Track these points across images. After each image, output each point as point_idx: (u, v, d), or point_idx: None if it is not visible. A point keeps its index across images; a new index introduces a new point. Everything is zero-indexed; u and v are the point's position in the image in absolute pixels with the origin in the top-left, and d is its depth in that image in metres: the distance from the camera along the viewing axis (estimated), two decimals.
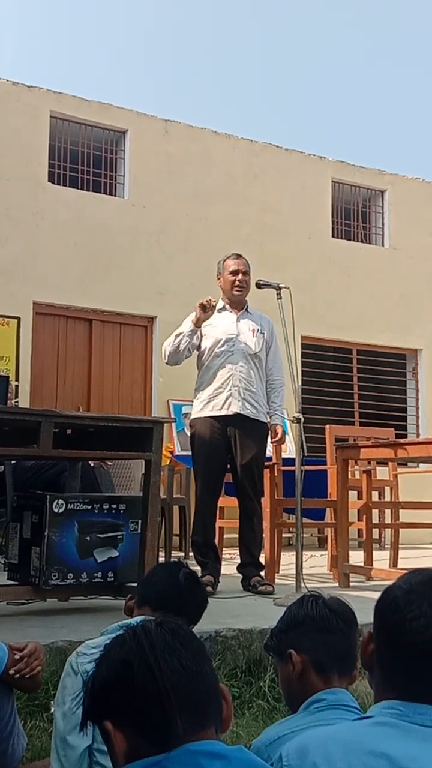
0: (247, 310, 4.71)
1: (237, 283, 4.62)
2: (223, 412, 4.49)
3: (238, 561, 4.67)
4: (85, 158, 8.14)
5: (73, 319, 7.84)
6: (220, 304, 4.70)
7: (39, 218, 7.65)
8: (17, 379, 7.14)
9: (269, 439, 4.72)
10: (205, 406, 4.55)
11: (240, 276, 4.63)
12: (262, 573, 4.59)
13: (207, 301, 4.45)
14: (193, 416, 4.66)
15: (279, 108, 23.75)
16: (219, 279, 4.73)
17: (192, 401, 4.79)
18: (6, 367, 7.19)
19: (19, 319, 7.37)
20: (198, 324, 4.50)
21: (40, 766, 2.11)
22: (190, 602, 2.16)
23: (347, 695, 1.72)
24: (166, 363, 4.72)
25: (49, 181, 7.81)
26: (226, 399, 4.50)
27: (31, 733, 2.46)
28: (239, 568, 4.61)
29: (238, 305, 4.68)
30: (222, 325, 4.62)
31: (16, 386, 6.97)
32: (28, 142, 7.71)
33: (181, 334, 4.55)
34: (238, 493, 4.61)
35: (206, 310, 4.45)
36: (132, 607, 2.16)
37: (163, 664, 1.12)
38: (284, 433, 4.84)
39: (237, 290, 4.63)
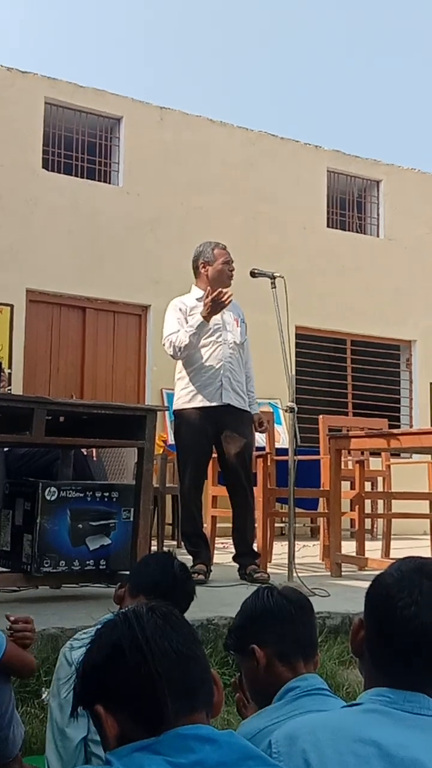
0: None
1: (230, 272, 4.62)
2: (214, 403, 4.47)
3: (231, 550, 4.68)
4: (80, 145, 8.10)
5: (66, 307, 7.82)
6: (197, 292, 4.62)
7: (32, 205, 7.62)
8: (10, 367, 7.12)
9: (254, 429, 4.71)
10: (193, 397, 4.51)
11: (231, 265, 4.62)
12: (258, 561, 4.59)
13: (220, 294, 4.31)
14: (178, 406, 4.57)
15: (275, 97, 23.68)
16: (203, 268, 4.65)
17: None
18: None
19: (12, 306, 7.34)
20: (209, 318, 4.41)
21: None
22: (182, 592, 2.18)
23: (317, 679, 1.72)
24: (174, 357, 4.61)
25: (43, 167, 7.77)
26: (217, 390, 4.49)
27: (23, 720, 2.46)
28: (235, 558, 4.62)
29: None
30: None
31: (9, 374, 6.94)
32: (23, 128, 7.66)
33: (190, 330, 4.43)
34: (228, 483, 4.60)
35: (221, 305, 4.35)
36: (122, 596, 2.16)
37: (155, 648, 1.13)
38: (267, 422, 4.83)
39: (229, 280, 4.62)
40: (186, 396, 4.55)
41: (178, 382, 4.62)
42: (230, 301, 4.38)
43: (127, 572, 3.07)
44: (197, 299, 4.60)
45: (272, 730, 1.48)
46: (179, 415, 4.57)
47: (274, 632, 1.75)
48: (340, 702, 1.69)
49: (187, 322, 4.54)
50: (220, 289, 4.36)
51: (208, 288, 4.44)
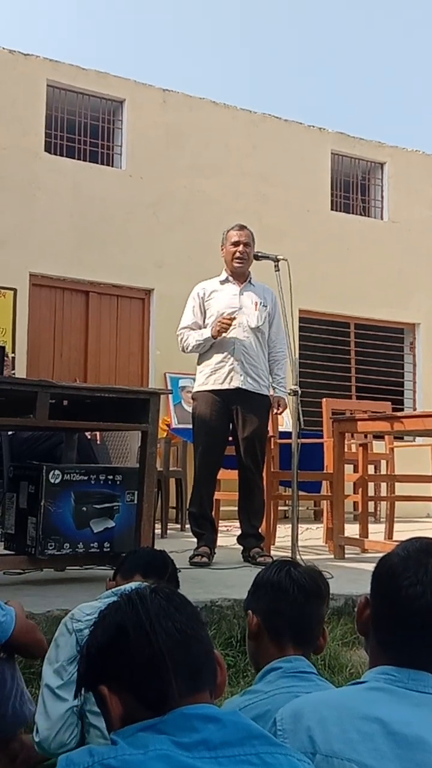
0: (250, 282, 4.68)
1: (237, 254, 4.59)
2: (225, 386, 4.49)
3: (235, 533, 4.69)
4: (82, 128, 8.06)
5: (69, 291, 7.81)
6: (223, 276, 4.68)
7: (35, 188, 7.59)
8: (14, 351, 7.12)
9: (272, 411, 4.72)
10: (207, 379, 4.55)
11: (240, 247, 4.59)
12: (262, 545, 4.60)
13: (225, 321, 4.41)
14: (195, 389, 4.66)
15: (279, 78, 23.50)
16: (222, 249, 4.70)
17: (189, 374, 4.80)
18: (2, 338, 7.16)
19: (15, 290, 7.33)
20: (217, 338, 4.47)
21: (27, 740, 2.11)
22: (173, 571, 2.22)
23: (304, 662, 1.73)
24: (183, 351, 4.72)
25: (45, 150, 7.73)
26: (228, 373, 4.50)
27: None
28: (239, 539, 4.63)
29: (241, 277, 4.66)
30: (225, 297, 4.60)
31: (13, 358, 6.94)
32: (25, 111, 7.62)
33: (199, 339, 4.53)
34: (240, 466, 4.61)
35: (227, 329, 4.43)
36: (113, 587, 2.17)
37: (158, 628, 1.13)
38: (286, 405, 4.85)
39: (237, 262, 4.60)
40: (201, 378, 4.59)
41: (197, 366, 4.67)
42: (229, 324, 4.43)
43: None
44: (221, 282, 4.67)
45: (250, 709, 1.53)
46: (195, 398, 4.64)
47: (267, 604, 1.78)
48: (326, 684, 1.71)
49: (202, 311, 4.62)
50: (224, 322, 4.40)
51: (217, 319, 4.47)
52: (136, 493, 3.67)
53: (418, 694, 1.25)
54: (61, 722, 1.89)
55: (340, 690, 1.39)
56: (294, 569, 1.84)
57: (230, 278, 4.66)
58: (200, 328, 4.59)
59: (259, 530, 4.65)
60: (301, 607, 1.78)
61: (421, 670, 1.28)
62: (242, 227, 4.67)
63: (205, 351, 4.58)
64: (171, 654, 1.11)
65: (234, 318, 4.45)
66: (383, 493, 6.93)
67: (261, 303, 4.62)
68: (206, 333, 4.52)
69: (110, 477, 3.70)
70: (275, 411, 4.73)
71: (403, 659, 1.28)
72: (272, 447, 5.15)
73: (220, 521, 5.48)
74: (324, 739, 1.20)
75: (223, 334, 4.46)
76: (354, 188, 9.56)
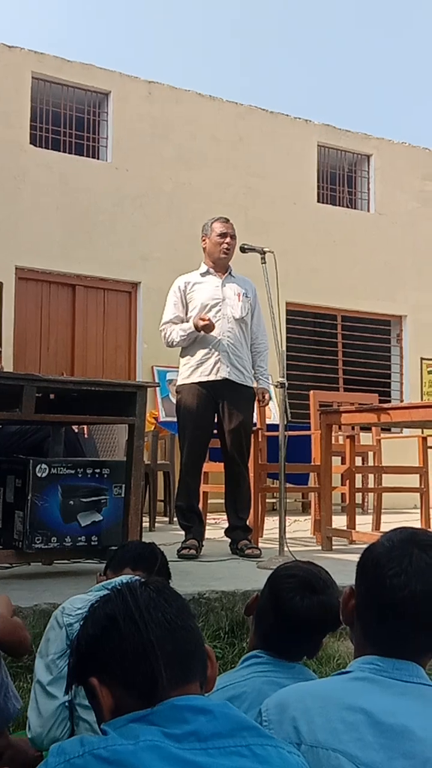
0: (230, 273, 4.69)
1: (224, 246, 4.59)
2: (211, 378, 4.49)
3: (222, 526, 4.70)
4: (68, 120, 8.02)
5: (56, 285, 7.78)
6: (203, 268, 4.68)
7: (20, 181, 7.55)
8: (0, 345, 7.09)
9: (255, 403, 4.73)
10: (192, 372, 4.54)
11: (228, 239, 4.61)
12: (250, 537, 4.62)
13: (208, 321, 4.44)
14: (179, 382, 4.64)
15: (265, 71, 23.44)
16: (204, 240, 4.69)
17: (176, 367, 4.79)
18: None
19: (1, 284, 7.29)
20: (199, 330, 4.48)
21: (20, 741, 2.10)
22: (163, 563, 2.22)
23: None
24: (166, 346, 4.72)
25: (30, 143, 7.68)
26: (215, 364, 4.50)
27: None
28: (227, 531, 4.64)
29: (222, 269, 4.66)
30: (207, 289, 4.60)
31: (0, 352, 6.92)
32: (10, 103, 7.57)
33: (182, 334, 4.53)
34: (225, 458, 4.62)
35: (209, 329, 4.46)
36: (104, 582, 2.17)
37: (148, 618, 1.14)
38: (270, 396, 4.87)
39: (223, 254, 4.60)
40: (186, 371, 4.57)
41: (180, 358, 4.65)
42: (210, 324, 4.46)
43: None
44: (201, 274, 4.66)
45: (226, 690, 1.58)
46: (180, 390, 4.61)
47: (266, 608, 1.80)
48: (306, 672, 1.74)
49: (183, 305, 4.61)
50: (206, 324, 4.42)
51: (199, 319, 4.47)
52: (123, 486, 3.67)
53: (403, 683, 1.26)
54: (53, 719, 1.89)
55: (324, 680, 1.40)
56: (299, 597, 1.79)
57: (211, 270, 4.66)
58: (182, 322, 4.59)
59: (247, 522, 4.66)
60: (282, 628, 1.79)
61: (406, 659, 1.28)
62: (227, 220, 4.68)
63: (189, 344, 4.58)
64: (160, 644, 1.12)
65: (209, 320, 4.46)
66: (371, 484, 6.97)
67: (243, 294, 4.63)
68: (189, 326, 4.51)
69: (97, 470, 3.70)
70: (260, 403, 4.74)
71: (387, 649, 1.29)
72: (260, 439, 5.16)
73: (207, 514, 5.49)
74: (309, 730, 1.20)
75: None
76: (340, 180, 9.56)
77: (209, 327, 4.45)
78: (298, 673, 1.72)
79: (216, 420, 4.58)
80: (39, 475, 3.52)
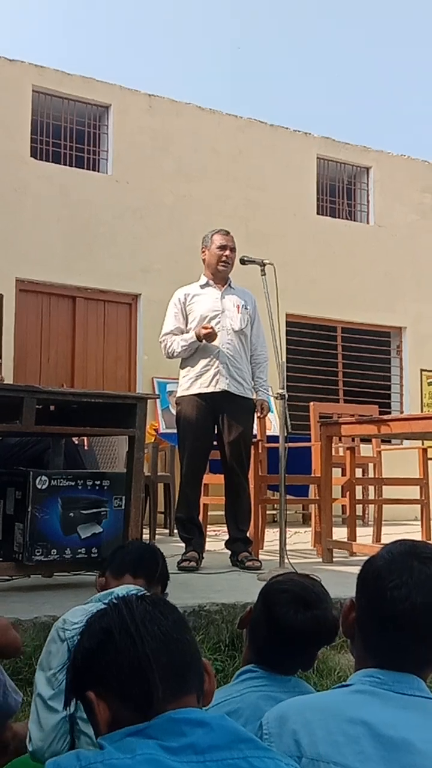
0: (230, 285, 4.70)
1: (224, 258, 4.61)
2: (210, 389, 4.49)
3: (223, 538, 4.69)
4: (68, 133, 8.06)
5: (56, 296, 7.80)
6: (203, 280, 4.70)
7: (21, 194, 7.58)
8: (0, 357, 7.10)
9: (255, 415, 4.73)
10: (192, 383, 4.54)
11: (227, 252, 4.62)
12: (250, 549, 4.60)
13: (210, 330, 4.46)
14: (179, 394, 4.64)
15: (265, 84, 23.56)
16: (204, 252, 4.70)
17: (176, 379, 4.79)
18: None
19: (2, 296, 7.31)
20: (201, 339, 4.50)
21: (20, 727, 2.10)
22: (164, 568, 2.20)
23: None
24: (167, 357, 4.73)
25: (31, 156, 7.72)
26: (214, 376, 4.50)
27: None
28: (227, 543, 4.63)
29: (222, 281, 4.67)
30: (207, 301, 4.61)
31: (0, 364, 6.92)
32: (10, 116, 7.61)
33: (183, 344, 4.54)
34: (225, 470, 4.61)
35: (211, 337, 4.47)
36: (104, 583, 2.16)
37: (143, 631, 1.14)
38: (269, 408, 4.87)
39: (222, 266, 4.62)
40: (186, 383, 4.58)
41: (180, 369, 4.66)
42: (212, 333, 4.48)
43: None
44: (201, 286, 4.67)
45: (221, 707, 1.56)
46: (180, 402, 4.61)
47: (259, 622, 1.79)
48: (303, 685, 1.73)
49: (183, 316, 4.62)
50: (209, 332, 4.44)
51: (202, 328, 4.48)
52: (123, 498, 3.66)
53: (404, 696, 1.26)
54: (54, 732, 1.88)
55: (325, 693, 1.40)
56: (301, 614, 1.76)
57: (211, 282, 4.67)
58: (182, 333, 4.59)
59: (247, 534, 4.65)
60: (284, 647, 1.76)
61: (407, 672, 1.28)
62: (228, 232, 4.70)
63: (189, 355, 4.58)
64: (156, 656, 1.12)
65: (212, 328, 4.48)
66: (371, 496, 6.95)
67: (243, 305, 4.64)
68: (191, 336, 4.52)
69: (97, 482, 3.69)
70: (258, 414, 4.74)
71: (388, 661, 1.28)
72: (260, 451, 5.16)
73: (207, 526, 5.48)
74: (309, 742, 1.20)
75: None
76: (340, 192, 9.60)
77: (212, 336, 4.45)
78: (293, 686, 1.70)
79: (216, 431, 4.58)
80: (39, 486, 3.52)
